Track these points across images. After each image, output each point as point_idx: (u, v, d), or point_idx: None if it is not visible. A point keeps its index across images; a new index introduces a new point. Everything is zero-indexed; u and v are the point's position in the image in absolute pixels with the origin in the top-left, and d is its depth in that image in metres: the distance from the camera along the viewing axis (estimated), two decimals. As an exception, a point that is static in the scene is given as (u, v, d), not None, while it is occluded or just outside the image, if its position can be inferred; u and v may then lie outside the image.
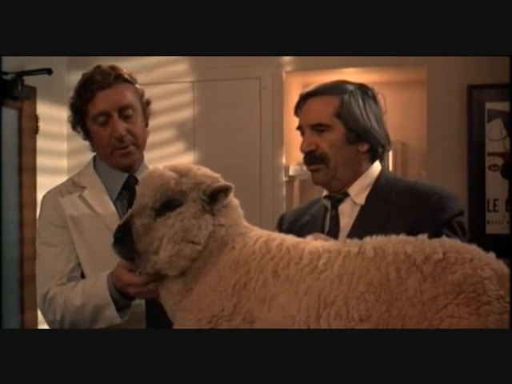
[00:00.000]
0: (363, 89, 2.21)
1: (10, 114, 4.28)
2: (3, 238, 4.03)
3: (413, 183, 2.20)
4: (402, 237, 1.63)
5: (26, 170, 4.40)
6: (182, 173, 1.79)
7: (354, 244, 1.66)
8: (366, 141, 2.16)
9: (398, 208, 2.08)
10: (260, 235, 1.79)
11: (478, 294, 1.44)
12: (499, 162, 4.11)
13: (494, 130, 4.13)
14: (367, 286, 1.53)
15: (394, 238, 1.63)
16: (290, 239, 1.78)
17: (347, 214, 2.16)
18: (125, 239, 1.75)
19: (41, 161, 4.51)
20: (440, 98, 4.26)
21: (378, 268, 1.55)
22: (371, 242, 1.64)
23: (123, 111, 2.26)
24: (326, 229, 2.18)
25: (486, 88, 4.12)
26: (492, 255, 1.53)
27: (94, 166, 2.37)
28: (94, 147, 2.36)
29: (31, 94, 4.39)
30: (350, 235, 1.95)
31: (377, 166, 2.21)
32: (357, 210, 2.15)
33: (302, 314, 1.57)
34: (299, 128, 2.23)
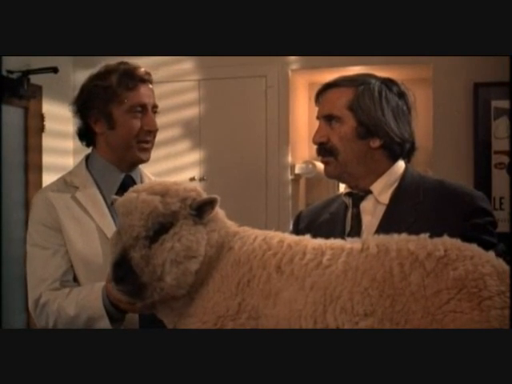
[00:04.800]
0: (387, 83, 2.12)
1: (16, 112, 4.30)
2: (9, 236, 4.04)
3: (440, 182, 2.11)
4: (404, 235, 1.64)
5: (32, 168, 4.42)
6: (162, 192, 1.73)
7: (356, 241, 1.67)
8: (377, 136, 2.06)
9: (426, 208, 2.01)
10: (256, 234, 1.78)
11: (480, 290, 1.46)
12: (505, 160, 4.10)
13: (500, 128, 4.12)
14: (371, 281, 1.54)
15: (396, 236, 1.64)
16: (290, 237, 1.77)
17: (369, 212, 2.09)
18: (128, 276, 1.67)
19: (47, 159, 4.52)
20: (446, 96, 4.26)
21: (381, 264, 1.56)
22: (374, 239, 1.65)
23: (154, 108, 2.31)
24: (347, 228, 2.11)
25: (492, 86, 4.12)
26: (492, 253, 1.55)
27: (87, 166, 2.34)
28: (90, 142, 2.33)
29: (37, 93, 4.40)
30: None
31: (400, 165, 2.13)
32: (380, 209, 2.08)
33: (308, 308, 1.58)
34: (317, 118, 2.18)
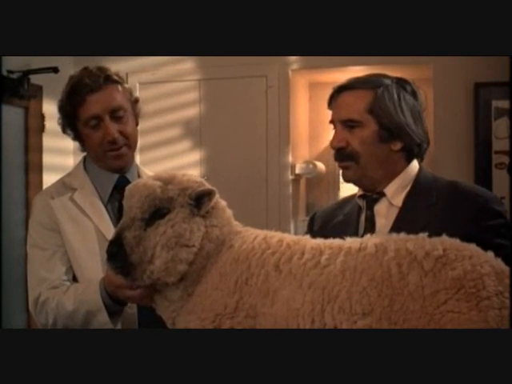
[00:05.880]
0: (401, 83, 2.09)
1: (16, 112, 4.30)
2: (9, 236, 4.04)
3: (453, 183, 2.09)
4: (403, 235, 1.64)
5: (33, 168, 4.41)
6: (166, 180, 1.78)
7: (355, 241, 1.68)
8: (399, 139, 2.04)
9: (439, 210, 1.99)
10: (257, 233, 1.80)
11: (478, 290, 1.46)
12: (506, 160, 4.09)
13: (501, 128, 4.12)
14: (369, 280, 1.55)
15: (394, 235, 1.65)
16: (289, 236, 1.78)
17: (383, 214, 2.08)
18: (118, 254, 1.74)
19: (47, 159, 4.52)
20: (447, 96, 4.26)
21: (379, 263, 1.56)
22: (372, 239, 1.66)
23: (114, 113, 2.23)
24: (361, 230, 2.09)
25: (493, 86, 4.11)
26: (490, 253, 1.55)
27: (85, 167, 2.35)
28: (84, 149, 2.35)
29: (37, 93, 4.40)
30: None
31: (415, 165, 2.11)
32: (394, 211, 2.06)
33: (306, 307, 1.58)
34: (332, 122, 2.13)
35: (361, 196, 2.14)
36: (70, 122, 2.29)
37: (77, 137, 2.32)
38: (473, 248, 1.56)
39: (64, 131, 2.34)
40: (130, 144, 2.28)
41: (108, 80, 2.25)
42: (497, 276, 1.48)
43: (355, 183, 2.14)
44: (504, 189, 4.07)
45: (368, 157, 2.05)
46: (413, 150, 2.08)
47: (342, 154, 2.08)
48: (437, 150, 4.27)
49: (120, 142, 2.24)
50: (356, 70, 4.45)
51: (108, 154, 2.25)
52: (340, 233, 1.93)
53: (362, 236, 2.02)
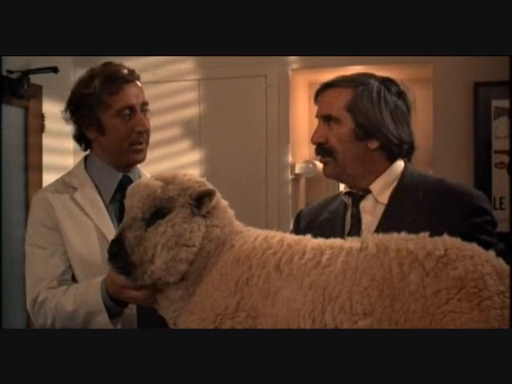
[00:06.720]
0: (386, 83, 2.12)
1: (16, 112, 4.30)
2: (9, 236, 4.04)
3: (440, 181, 2.11)
4: (404, 234, 1.64)
5: (32, 168, 4.41)
6: (167, 180, 1.79)
7: (356, 240, 1.68)
8: (375, 138, 2.06)
9: (426, 207, 2.01)
10: (258, 233, 1.80)
11: (479, 290, 1.46)
12: (505, 159, 4.09)
13: (501, 127, 4.11)
14: (370, 281, 1.55)
15: (395, 235, 1.65)
16: (290, 236, 1.78)
17: (369, 211, 2.09)
18: (119, 253, 1.76)
19: (47, 159, 4.52)
20: (446, 95, 4.26)
21: (380, 263, 1.56)
22: (373, 238, 1.66)
23: (143, 106, 2.27)
24: (347, 227, 2.11)
25: (493, 85, 4.11)
26: (491, 253, 1.55)
27: (85, 167, 2.34)
28: (86, 147, 2.33)
29: (37, 93, 4.40)
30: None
31: (399, 164, 2.13)
32: (380, 208, 2.08)
33: (306, 307, 1.58)
34: (316, 117, 2.18)
35: (346, 193, 2.16)
36: (95, 110, 2.23)
37: (98, 129, 2.25)
38: (474, 248, 1.56)
39: (77, 122, 2.29)
40: (148, 141, 2.30)
41: (135, 77, 2.29)
42: (498, 276, 1.48)
43: (336, 179, 2.19)
44: (504, 188, 4.07)
45: (344, 154, 2.08)
46: (392, 150, 2.10)
47: (321, 150, 2.12)
48: (437, 150, 4.28)
49: (145, 136, 2.26)
50: (355, 70, 4.42)
51: (132, 147, 2.24)
52: (326, 230, 1.94)
53: (349, 232, 2.05)
